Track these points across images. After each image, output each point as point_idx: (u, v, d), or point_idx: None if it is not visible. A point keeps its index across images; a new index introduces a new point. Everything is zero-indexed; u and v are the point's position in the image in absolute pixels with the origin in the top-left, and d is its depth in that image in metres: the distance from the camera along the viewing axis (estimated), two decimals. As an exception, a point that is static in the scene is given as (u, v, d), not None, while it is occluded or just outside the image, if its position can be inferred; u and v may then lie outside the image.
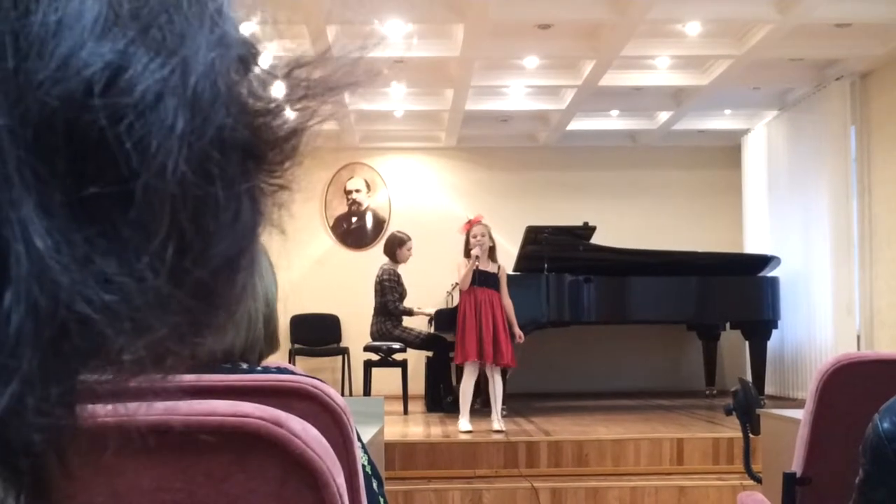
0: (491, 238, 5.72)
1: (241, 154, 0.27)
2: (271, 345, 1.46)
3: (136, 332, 0.25)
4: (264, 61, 0.29)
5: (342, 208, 8.94)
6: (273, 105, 0.28)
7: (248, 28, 0.29)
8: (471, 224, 5.74)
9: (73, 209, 0.24)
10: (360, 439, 1.29)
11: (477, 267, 5.64)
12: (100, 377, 0.25)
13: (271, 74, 0.29)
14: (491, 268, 5.73)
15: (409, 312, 6.74)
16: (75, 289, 0.23)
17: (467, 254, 5.70)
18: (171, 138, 0.24)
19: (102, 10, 0.24)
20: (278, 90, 0.29)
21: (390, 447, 4.96)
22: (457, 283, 5.99)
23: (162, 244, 0.25)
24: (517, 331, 5.76)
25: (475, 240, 5.63)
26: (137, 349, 0.25)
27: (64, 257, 0.23)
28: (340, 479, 0.96)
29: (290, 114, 0.29)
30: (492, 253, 5.74)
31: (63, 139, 0.23)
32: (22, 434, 0.23)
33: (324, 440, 0.95)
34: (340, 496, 0.95)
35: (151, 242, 0.25)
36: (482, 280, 5.68)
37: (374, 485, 1.38)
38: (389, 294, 6.65)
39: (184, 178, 0.25)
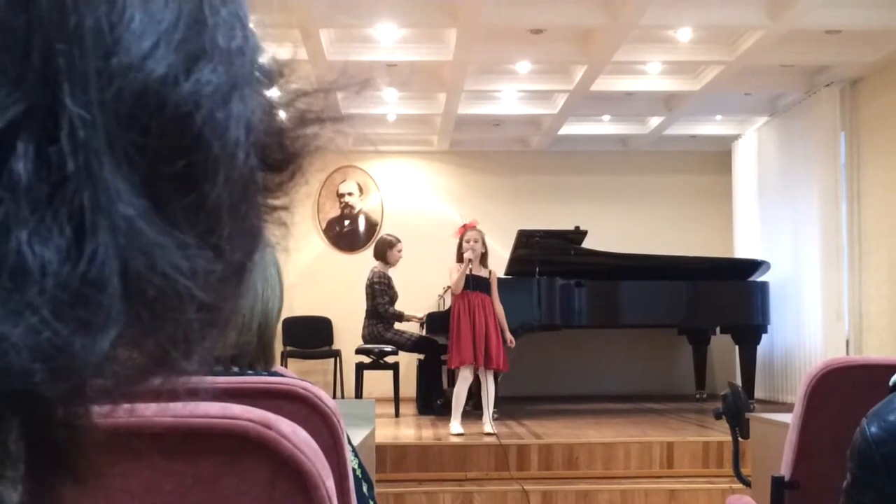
0: (484, 244, 5.72)
1: (261, 164, 0.29)
2: (264, 356, 1.44)
3: (205, 308, 0.27)
4: (278, 86, 0.31)
5: (335, 211, 8.94)
6: (282, 127, 0.31)
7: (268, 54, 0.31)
8: (465, 229, 5.74)
9: (158, 184, 0.26)
10: (349, 442, 1.29)
11: (470, 271, 5.65)
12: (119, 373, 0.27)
13: (282, 98, 0.31)
14: (483, 273, 5.74)
15: (399, 317, 6.72)
16: (164, 254, 0.25)
17: (460, 258, 5.70)
18: (240, 131, 0.27)
19: (182, 14, 0.26)
20: (286, 114, 0.31)
21: (381, 449, 4.95)
22: (449, 287, 5.99)
23: (222, 230, 0.27)
24: (508, 335, 5.77)
25: (468, 244, 5.63)
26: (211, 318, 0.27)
27: (151, 224, 0.25)
28: (330, 482, 0.96)
29: (295, 138, 0.31)
30: (483, 259, 5.74)
31: (151, 119, 0.25)
32: (75, 401, 0.25)
33: (313, 442, 0.95)
34: (330, 499, 0.95)
35: (219, 223, 0.27)
36: (475, 284, 5.68)
37: (364, 488, 1.38)
38: (380, 297, 6.64)
39: (249, 170, 0.28)
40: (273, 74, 0.30)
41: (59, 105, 0.24)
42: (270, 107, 0.30)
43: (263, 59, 0.30)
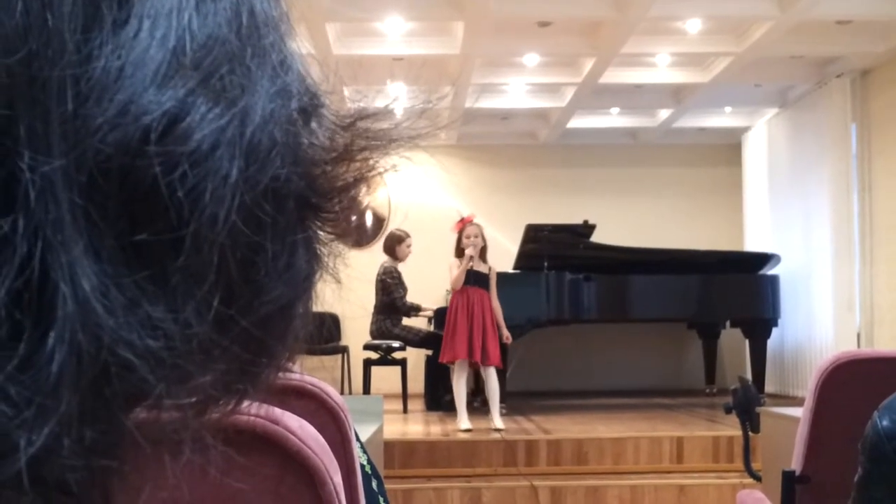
0: (483, 238, 5.71)
1: (295, 204, 0.27)
2: None
3: (178, 378, 0.25)
4: (328, 111, 0.29)
5: (342, 206, 8.93)
6: (334, 155, 0.29)
7: (315, 79, 0.29)
8: (463, 223, 5.72)
9: (124, 253, 0.24)
10: (358, 438, 1.28)
11: (470, 267, 5.63)
12: (143, 421, 0.25)
13: (334, 125, 0.30)
14: (483, 268, 5.72)
15: (418, 308, 6.73)
16: (119, 332, 0.23)
17: (459, 253, 5.69)
18: (224, 188, 0.25)
19: (165, 58, 0.24)
20: (341, 140, 0.29)
21: (390, 446, 4.95)
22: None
23: (208, 292, 0.25)
24: (505, 332, 5.75)
25: (468, 240, 5.61)
26: (179, 396, 0.26)
27: (110, 300, 0.23)
28: (337, 478, 0.95)
29: (351, 164, 0.29)
30: (483, 253, 5.72)
31: (117, 184, 0.23)
32: (56, 473, 0.24)
33: (321, 438, 0.95)
34: (337, 494, 0.94)
35: (199, 290, 0.25)
36: (475, 280, 5.67)
37: (374, 484, 1.37)
38: (395, 291, 6.65)
39: (234, 228, 0.25)
40: (310, 106, 0.28)
41: (14, 175, 0.22)
42: (306, 141, 0.28)
43: (297, 92, 0.27)
